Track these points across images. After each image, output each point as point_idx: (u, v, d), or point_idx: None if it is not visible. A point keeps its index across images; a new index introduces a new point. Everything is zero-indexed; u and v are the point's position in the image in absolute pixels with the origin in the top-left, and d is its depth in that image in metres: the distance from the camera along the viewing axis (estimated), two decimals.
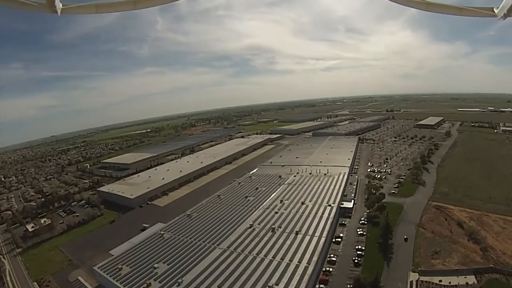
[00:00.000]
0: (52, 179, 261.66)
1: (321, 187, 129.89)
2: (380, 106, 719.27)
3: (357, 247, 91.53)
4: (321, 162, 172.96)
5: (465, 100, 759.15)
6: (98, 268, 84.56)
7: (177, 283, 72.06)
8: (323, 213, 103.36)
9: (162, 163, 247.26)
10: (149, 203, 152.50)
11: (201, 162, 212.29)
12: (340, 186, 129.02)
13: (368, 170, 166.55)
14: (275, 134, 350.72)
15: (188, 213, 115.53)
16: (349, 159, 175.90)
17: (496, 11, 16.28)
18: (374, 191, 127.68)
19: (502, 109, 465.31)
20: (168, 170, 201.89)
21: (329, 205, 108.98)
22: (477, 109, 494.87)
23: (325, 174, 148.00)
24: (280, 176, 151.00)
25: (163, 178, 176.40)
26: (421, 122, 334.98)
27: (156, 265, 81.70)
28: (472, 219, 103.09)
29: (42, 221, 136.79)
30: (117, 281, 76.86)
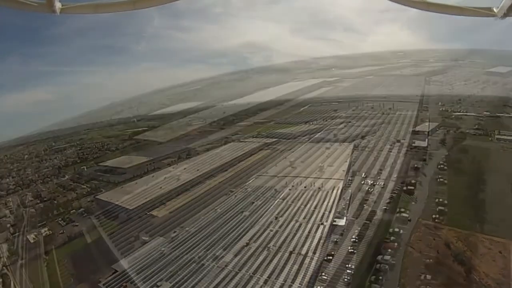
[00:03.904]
0: (49, 182, 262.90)
1: (315, 203, 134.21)
2: (378, 108, 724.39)
3: (347, 265, 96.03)
4: (316, 173, 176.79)
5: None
6: (104, 285, 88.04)
7: None
8: (316, 232, 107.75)
9: (159, 168, 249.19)
10: (147, 213, 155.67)
11: (197, 170, 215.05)
12: (333, 202, 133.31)
13: (362, 182, 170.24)
14: (271, 138, 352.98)
15: (186, 228, 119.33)
16: (343, 170, 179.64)
17: (495, 10, 17.01)
18: (366, 207, 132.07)
19: (498, 114, 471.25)
20: (165, 178, 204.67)
21: (322, 224, 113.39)
22: (473, 114, 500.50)
23: (319, 188, 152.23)
24: (275, 190, 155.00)
25: (160, 187, 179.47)
26: (416, 128, 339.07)
27: (159, 284, 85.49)
28: (460, 239, 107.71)
29: (43, 231, 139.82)
30: None
